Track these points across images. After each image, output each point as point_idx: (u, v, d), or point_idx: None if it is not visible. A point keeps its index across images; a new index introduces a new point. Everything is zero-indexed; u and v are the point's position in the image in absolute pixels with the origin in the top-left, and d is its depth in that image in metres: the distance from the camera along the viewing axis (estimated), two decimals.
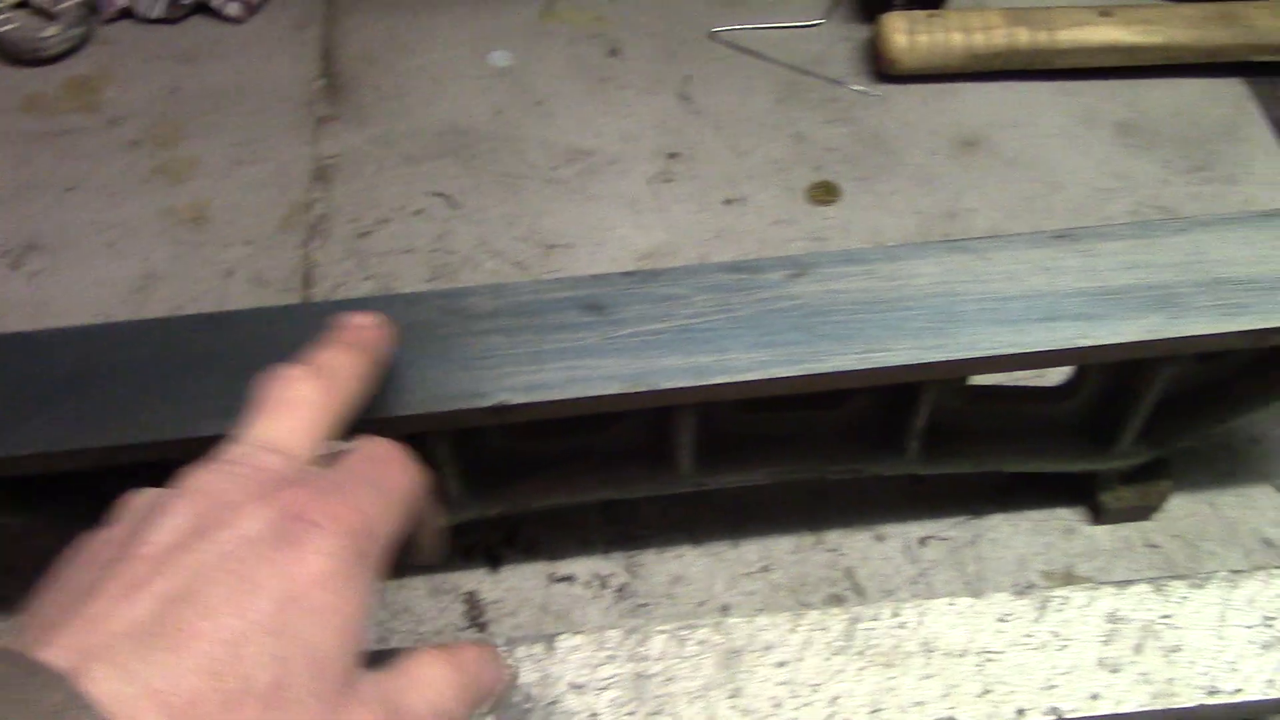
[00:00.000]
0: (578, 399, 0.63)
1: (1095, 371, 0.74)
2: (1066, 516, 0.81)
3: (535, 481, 0.74)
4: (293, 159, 1.02)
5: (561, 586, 0.79)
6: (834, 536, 0.81)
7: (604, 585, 0.79)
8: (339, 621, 0.43)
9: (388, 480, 0.50)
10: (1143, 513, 0.81)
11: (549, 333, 0.66)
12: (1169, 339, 0.65)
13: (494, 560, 0.80)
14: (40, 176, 1.00)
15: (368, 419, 0.58)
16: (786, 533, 0.81)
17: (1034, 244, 0.69)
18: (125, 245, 0.95)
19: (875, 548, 0.80)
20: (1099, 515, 0.80)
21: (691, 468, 0.73)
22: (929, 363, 0.64)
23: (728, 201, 0.98)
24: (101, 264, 0.94)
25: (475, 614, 0.78)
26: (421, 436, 0.67)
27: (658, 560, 0.80)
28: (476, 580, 0.79)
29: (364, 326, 0.57)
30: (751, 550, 0.80)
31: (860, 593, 0.78)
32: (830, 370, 0.64)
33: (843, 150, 1.01)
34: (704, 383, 0.63)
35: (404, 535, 0.50)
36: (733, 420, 0.73)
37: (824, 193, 0.97)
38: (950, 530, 0.81)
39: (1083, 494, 0.81)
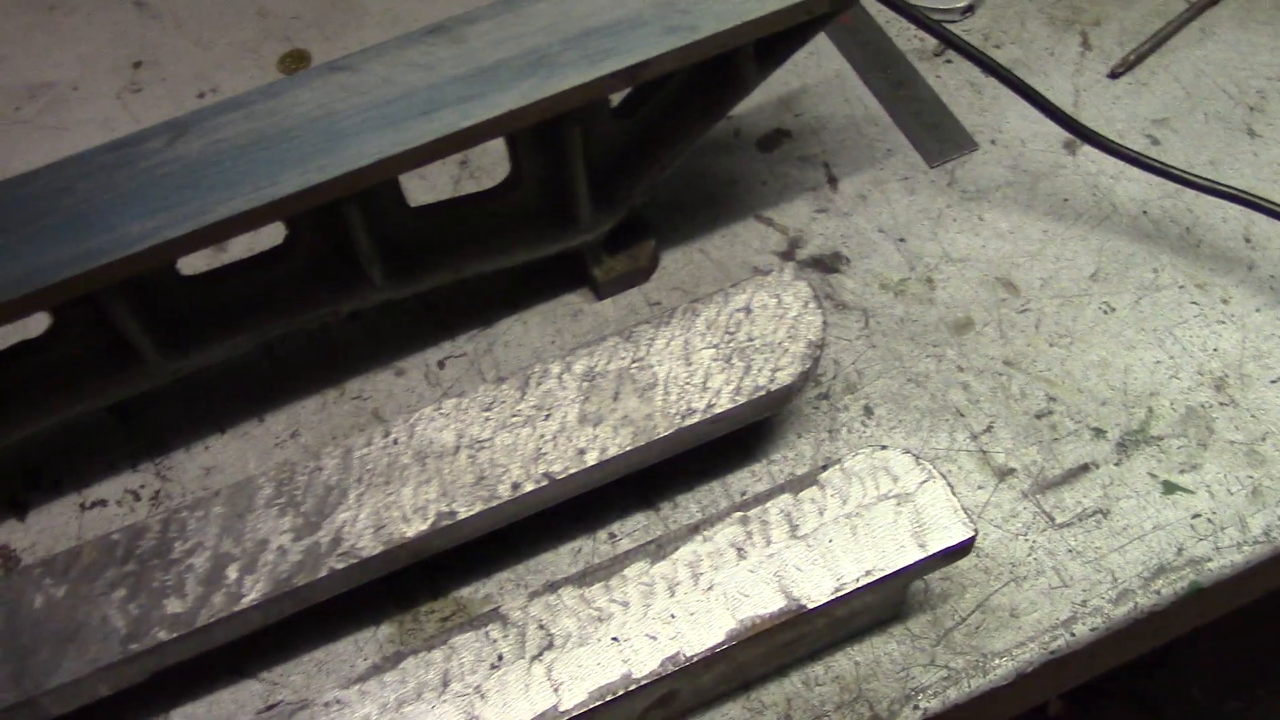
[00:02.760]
0: None
1: (527, 157, 0.75)
2: (572, 300, 0.84)
3: (2, 413, 0.72)
4: None
5: (94, 513, 0.77)
6: (356, 384, 0.81)
7: (137, 498, 0.78)
8: None
9: None
10: (639, 276, 0.84)
11: None
12: (545, 98, 0.67)
13: (20, 508, 0.77)
14: None
15: None
16: (310, 394, 0.81)
17: (407, 44, 0.70)
18: None
19: (397, 383, 0.81)
20: (599, 290, 0.83)
21: (158, 356, 0.72)
22: (317, 184, 0.65)
23: (201, 95, 0.96)
24: None
25: (10, 565, 0.76)
26: None
27: (187, 458, 0.79)
28: (6, 532, 0.77)
29: None
30: (278, 421, 0.80)
31: None
32: (216, 220, 0.64)
33: (306, 15, 1.00)
34: (94, 265, 0.62)
35: None
36: (186, 297, 0.72)
37: (295, 61, 0.96)
38: (466, 345, 0.82)
39: (581, 276, 0.84)
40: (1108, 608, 0.71)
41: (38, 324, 0.72)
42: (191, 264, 0.76)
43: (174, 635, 0.65)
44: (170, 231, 0.63)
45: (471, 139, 0.66)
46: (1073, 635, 0.70)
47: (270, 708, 0.63)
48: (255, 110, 0.67)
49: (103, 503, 0.78)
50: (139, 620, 0.65)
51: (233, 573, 0.66)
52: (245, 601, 0.65)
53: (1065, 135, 0.88)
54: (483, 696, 0.62)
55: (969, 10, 0.96)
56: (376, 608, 0.73)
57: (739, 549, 0.65)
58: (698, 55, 0.69)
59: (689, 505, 0.76)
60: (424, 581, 0.73)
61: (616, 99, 0.78)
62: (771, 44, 0.73)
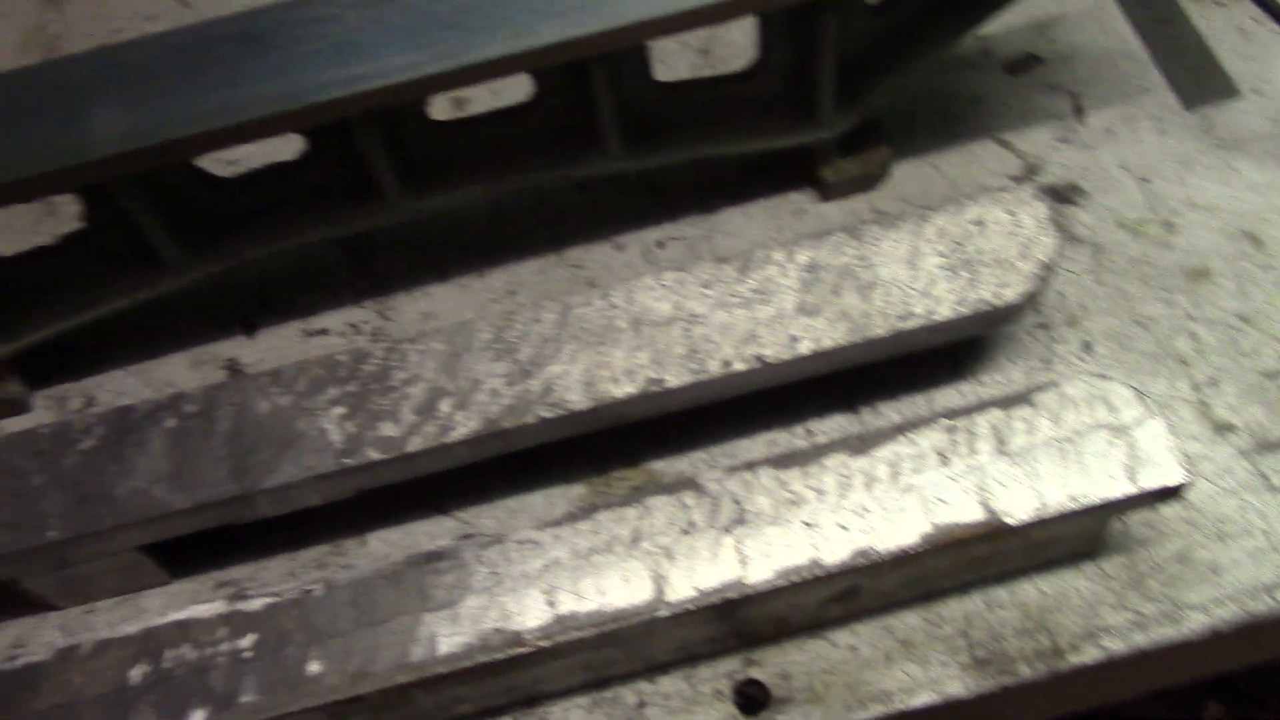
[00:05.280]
0: (232, 125, 0.65)
1: (776, 42, 0.75)
2: (796, 199, 0.84)
3: (249, 231, 0.75)
4: None
5: (317, 339, 0.81)
6: (576, 253, 0.83)
7: (358, 331, 0.81)
8: None
9: None
10: (868, 183, 0.83)
11: (208, 70, 0.67)
12: None
13: (250, 326, 0.82)
14: None
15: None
16: (531, 257, 0.83)
17: None
18: None
19: (615, 256, 0.82)
20: (826, 191, 0.83)
21: (399, 193, 0.74)
22: (574, 38, 0.66)
23: None
24: None
25: (236, 375, 0.80)
26: (108, 194, 0.69)
27: (408, 300, 0.82)
28: (235, 347, 0.81)
29: None
30: (498, 278, 0.82)
31: None
32: (474, 62, 0.65)
33: None
34: (353, 91, 0.65)
35: None
36: (430, 140, 0.74)
37: None
38: (686, 229, 0.83)
39: (809, 174, 0.83)
40: None
41: (292, 150, 0.75)
42: (439, 112, 0.78)
43: (385, 457, 0.67)
44: (430, 68, 0.65)
45: (727, 12, 0.66)
46: (1276, 600, 0.68)
47: (467, 537, 0.65)
48: None
49: (325, 331, 0.81)
50: (354, 438, 0.68)
51: (446, 407, 0.68)
52: (455, 435, 0.68)
53: None
54: (670, 558, 0.63)
55: None
56: (572, 467, 0.75)
57: (942, 455, 0.65)
58: None
59: (890, 414, 0.75)
60: (620, 448, 0.75)
61: None
62: None
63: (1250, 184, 0.81)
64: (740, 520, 0.64)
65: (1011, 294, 0.69)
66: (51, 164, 0.65)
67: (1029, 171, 0.83)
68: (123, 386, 0.80)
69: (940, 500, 0.63)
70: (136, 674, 0.63)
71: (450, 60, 0.65)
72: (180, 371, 0.80)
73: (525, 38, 0.65)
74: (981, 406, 0.66)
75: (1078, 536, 0.68)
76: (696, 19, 0.67)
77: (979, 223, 0.71)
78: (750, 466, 0.65)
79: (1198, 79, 0.86)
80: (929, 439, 0.65)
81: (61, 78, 0.67)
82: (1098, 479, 0.63)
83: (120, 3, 0.98)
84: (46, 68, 0.69)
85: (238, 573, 0.73)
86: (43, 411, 0.80)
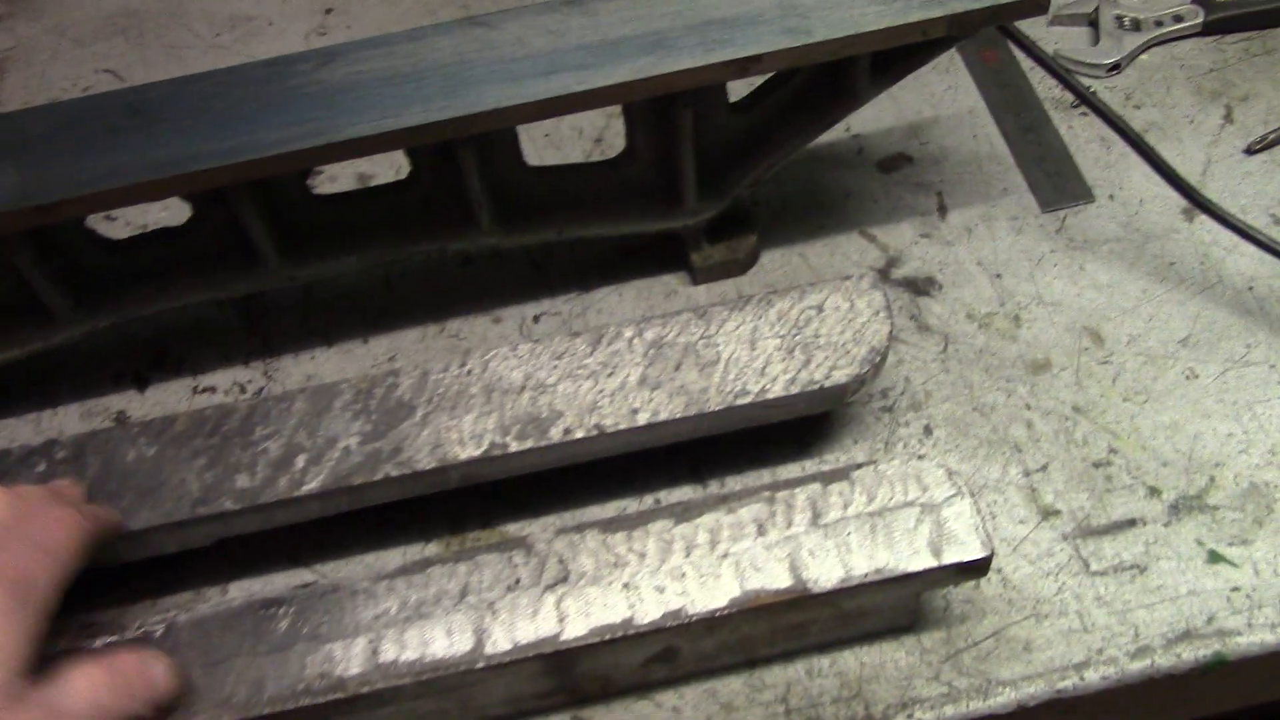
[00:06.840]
0: (113, 189, 0.69)
1: (641, 133, 0.80)
2: (669, 281, 0.88)
3: (137, 289, 0.80)
4: None
5: (203, 397, 0.85)
6: (456, 324, 0.87)
7: (243, 390, 0.85)
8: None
9: (40, 533, 0.60)
10: (735, 268, 0.87)
11: (96, 138, 0.72)
12: (657, 75, 0.72)
13: (141, 381, 0.86)
14: None
15: None
16: (414, 326, 0.87)
17: (543, 11, 0.75)
18: None
19: (493, 329, 0.87)
20: (695, 275, 0.87)
21: (277, 260, 0.79)
22: (434, 122, 0.71)
23: None
24: None
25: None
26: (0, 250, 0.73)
27: (294, 363, 0.86)
28: (126, 400, 0.85)
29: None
30: (381, 345, 0.87)
31: None
32: (341, 139, 0.70)
33: None
34: (228, 162, 0.70)
35: (75, 569, 0.62)
36: (309, 211, 0.79)
37: None
38: (563, 306, 0.87)
39: (681, 259, 0.88)
40: (1124, 660, 0.71)
41: (181, 215, 0.80)
42: (326, 186, 0.83)
43: (238, 507, 0.71)
44: (299, 144, 0.70)
45: (582, 103, 0.71)
46: (1082, 679, 0.71)
47: (306, 585, 0.69)
48: (397, 50, 0.73)
49: (212, 389, 0.86)
50: (211, 488, 0.72)
51: (300, 462, 0.72)
52: (305, 489, 0.71)
53: (1185, 202, 0.88)
54: (494, 613, 0.66)
55: (1115, 69, 0.96)
56: (429, 526, 0.78)
57: (760, 525, 0.68)
58: (809, 58, 0.72)
59: (735, 487, 0.79)
60: (478, 511, 0.78)
61: (741, 93, 0.82)
62: (887, 60, 0.76)
63: (1095, 283, 0.86)
64: (564, 579, 0.67)
65: (841, 375, 0.73)
66: None
67: (890, 263, 0.88)
68: (16, 434, 0.84)
69: (753, 567, 0.67)
70: None
71: (320, 137, 0.70)
72: (72, 422, 0.84)
73: (390, 119, 0.70)
74: (802, 481, 0.69)
75: (892, 609, 0.71)
76: (551, 109, 0.72)
77: (818, 308, 0.76)
78: (579, 529, 0.69)
79: (1057, 183, 0.91)
80: (750, 510, 0.69)
81: None
82: (902, 553, 0.66)
83: (61, 75, 1.04)
84: None
85: (103, 617, 0.76)
86: None
